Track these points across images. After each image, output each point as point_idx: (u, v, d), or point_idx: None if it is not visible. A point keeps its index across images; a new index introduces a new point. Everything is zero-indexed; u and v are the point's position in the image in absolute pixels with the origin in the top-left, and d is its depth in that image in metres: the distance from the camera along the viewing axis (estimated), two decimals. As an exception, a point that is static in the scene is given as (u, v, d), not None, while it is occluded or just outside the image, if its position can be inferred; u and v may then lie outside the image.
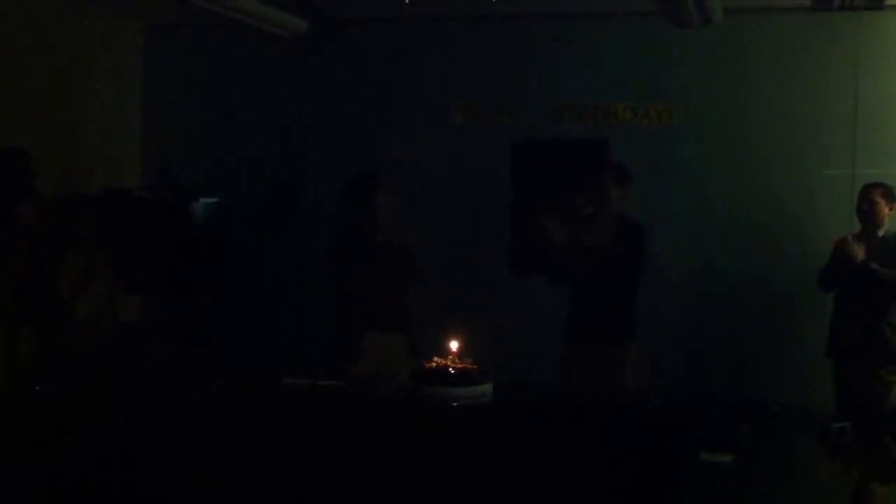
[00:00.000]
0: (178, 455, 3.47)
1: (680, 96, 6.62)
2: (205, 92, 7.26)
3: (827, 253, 5.53)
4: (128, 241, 5.91)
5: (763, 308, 6.42)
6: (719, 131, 6.56)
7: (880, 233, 5.42)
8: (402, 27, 6.88)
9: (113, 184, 6.76)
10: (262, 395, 4.41)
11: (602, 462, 3.39)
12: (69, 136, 6.69)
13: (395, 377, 4.69)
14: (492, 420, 4.06)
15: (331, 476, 3.29)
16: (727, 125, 6.54)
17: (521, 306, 6.43)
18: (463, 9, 6.57)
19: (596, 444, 3.59)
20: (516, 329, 6.24)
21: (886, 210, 5.42)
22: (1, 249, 5.23)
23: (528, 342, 6.06)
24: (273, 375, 4.60)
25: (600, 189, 5.34)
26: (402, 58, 6.97)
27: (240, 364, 5.72)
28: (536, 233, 5.33)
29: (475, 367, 4.23)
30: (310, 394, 4.40)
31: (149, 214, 6.56)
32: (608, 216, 5.33)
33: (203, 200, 6.89)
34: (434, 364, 4.24)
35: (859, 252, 5.32)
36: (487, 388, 4.20)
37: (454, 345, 4.29)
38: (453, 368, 4.19)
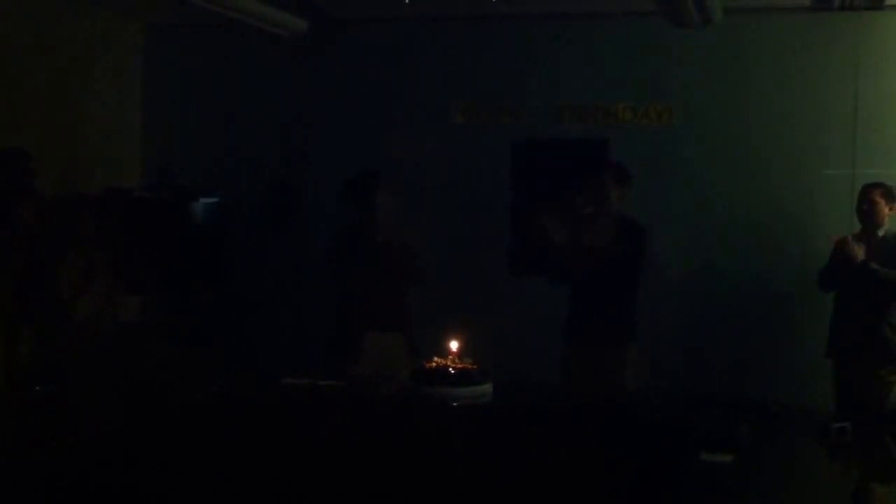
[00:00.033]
0: (178, 455, 3.47)
1: (680, 96, 6.62)
2: (205, 92, 7.26)
3: (827, 253, 5.53)
4: (128, 241, 5.91)
5: (763, 308, 6.42)
6: (719, 131, 6.56)
7: (880, 233, 5.42)
8: (402, 27, 6.88)
9: (113, 184, 6.76)
10: (262, 395, 4.41)
11: (602, 462, 3.39)
12: (69, 136, 6.69)
13: (395, 377, 4.69)
14: (492, 420, 4.06)
15: (331, 476, 3.29)
16: (727, 125, 6.54)
17: (521, 306, 6.43)
18: (463, 9, 6.57)
19: (596, 444, 3.59)
20: (516, 329, 6.24)
21: (886, 210, 5.42)
22: (1, 249, 5.23)
23: (528, 342, 6.06)
24: (273, 375, 4.60)
25: (600, 189, 5.34)
26: (402, 58, 6.97)
27: (240, 364, 5.71)
28: (536, 233, 5.33)
29: (475, 367, 4.23)
30: (310, 394, 4.40)
31: (149, 214, 6.56)
32: (608, 216, 5.33)
33: (203, 200, 6.89)
34: (434, 364, 4.24)
35: (859, 252, 5.32)
36: (487, 388, 4.20)
37: (454, 345, 4.28)
38: (453, 368, 4.19)
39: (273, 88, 7.16)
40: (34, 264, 5.32)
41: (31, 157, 5.53)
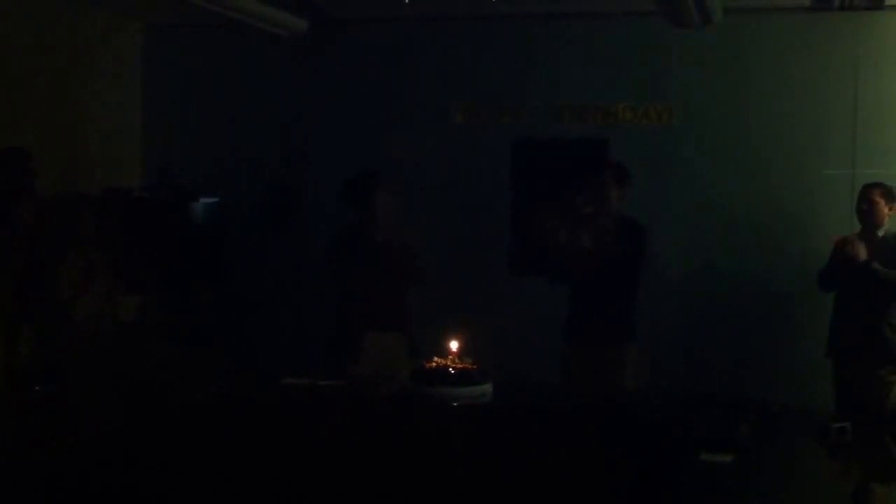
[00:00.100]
0: (178, 455, 3.47)
1: (680, 96, 6.62)
2: (205, 92, 7.26)
3: (827, 253, 5.53)
4: (128, 241, 5.91)
5: (763, 308, 6.42)
6: (719, 131, 6.56)
7: (880, 233, 5.42)
8: (402, 27, 6.88)
9: (113, 184, 6.76)
10: (262, 395, 4.41)
11: (602, 462, 3.39)
12: (69, 136, 6.69)
13: (395, 377, 4.69)
14: (492, 420, 4.06)
15: (331, 476, 3.29)
16: (727, 125, 6.54)
17: (521, 306, 6.43)
18: (463, 9, 6.57)
19: (596, 444, 3.59)
20: (516, 329, 6.24)
21: (886, 210, 5.42)
22: (1, 249, 5.23)
23: (528, 342, 6.06)
24: (273, 375, 4.60)
25: (600, 189, 5.35)
26: (402, 58, 6.97)
27: (240, 364, 5.71)
28: (536, 233, 5.33)
29: (475, 367, 4.23)
30: (310, 394, 4.40)
31: (149, 214, 6.56)
32: (608, 216, 5.33)
33: (203, 200, 6.89)
34: (434, 364, 4.24)
35: (862, 251, 5.31)
36: (487, 388, 4.20)
37: (454, 345, 4.29)
38: (453, 368, 4.19)
39: (273, 88, 7.16)
40: (34, 264, 5.32)
41: (31, 157, 5.53)
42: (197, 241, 6.81)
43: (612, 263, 5.21)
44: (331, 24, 6.98)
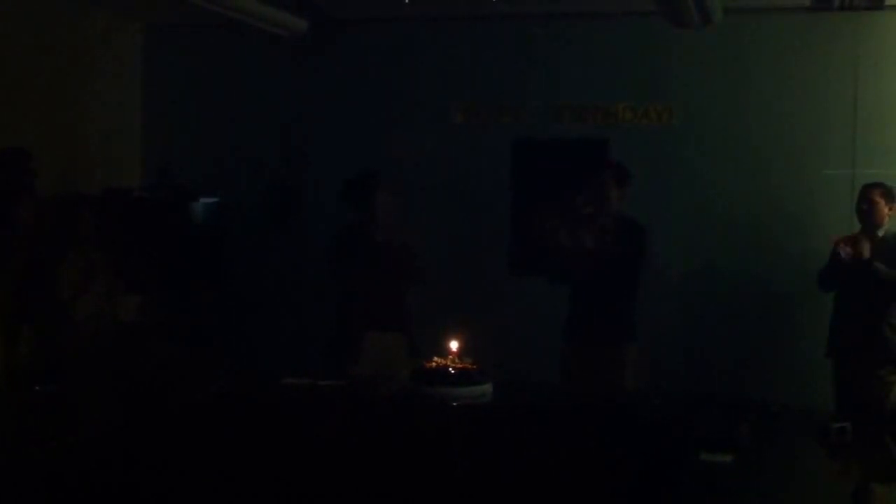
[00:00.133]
0: (178, 455, 3.47)
1: (680, 96, 6.62)
2: (205, 92, 7.26)
3: (827, 253, 5.53)
4: (128, 241, 5.91)
5: (763, 308, 6.42)
6: (719, 131, 6.56)
7: (880, 233, 5.42)
8: (402, 27, 6.88)
9: (113, 184, 6.76)
10: (262, 395, 4.40)
11: (602, 462, 3.39)
12: (69, 136, 6.70)
13: (395, 377, 4.69)
14: (492, 420, 4.06)
15: (331, 476, 3.29)
16: (727, 125, 6.54)
17: (521, 306, 6.43)
18: (463, 9, 6.57)
19: (596, 444, 3.59)
20: (516, 329, 6.24)
21: (886, 210, 5.42)
22: (1, 249, 5.23)
23: (528, 342, 6.06)
24: (273, 375, 4.60)
25: (600, 189, 5.35)
26: (402, 58, 6.97)
27: (240, 364, 5.71)
28: (536, 233, 5.33)
29: (475, 367, 4.23)
30: (310, 394, 4.40)
31: (149, 214, 6.56)
32: (608, 216, 5.33)
33: (203, 200, 6.89)
34: (434, 364, 4.24)
35: (867, 250, 5.29)
36: (487, 388, 4.20)
37: (454, 345, 4.29)
38: (453, 368, 4.19)
39: (273, 88, 7.16)
40: (34, 264, 5.32)
41: (31, 157, 5.53)
42: (197, 241, 6.81)
43: (612, 263, 5.21)
44: (331, 24, 6.98)
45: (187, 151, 7.16)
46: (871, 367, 5.32)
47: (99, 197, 6.31)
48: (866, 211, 5.45)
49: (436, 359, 4.26)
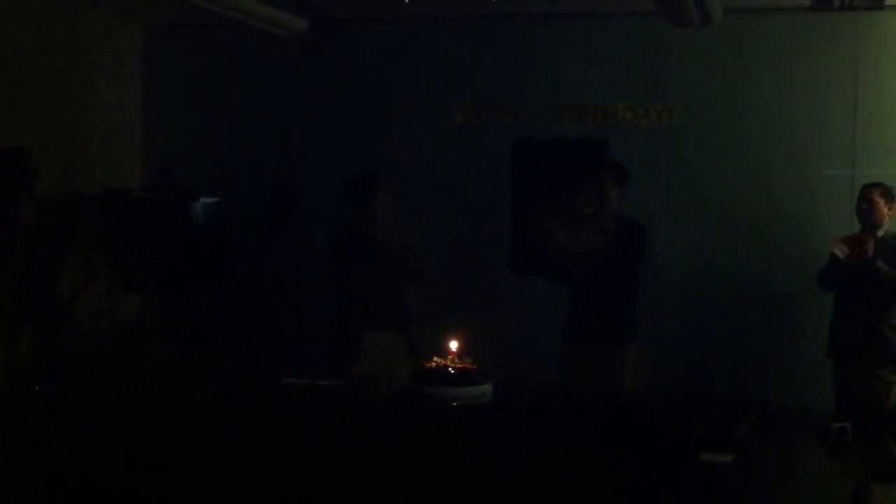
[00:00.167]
0: (178, 455, 3.47)
1: (680, 96, 6.62)
2: (205, 92, 7.26)
3: (827, 253, 5.52)
4: (128, 241, 5.91)
5: (763, 308, 6.42)
6: (719, 131, 6.56)
7: (880, 233, 5.42)
8: (402, 27, 6.88)
9: (113, 184, 6.76)
10: (262, 395, 4.40)
11: (602, 462, 3.39)
12: (69, 136, 6.70)
13: (395, 377, 4.69)
14: (492, 420, 4.06)
15: (331, 476, 3.29)
16: (727, 125, 6.54)
17: (521, 306, 6.43)
18: (463, 9, 6.57)
19: (596, 444, 3.59)
20: (516, 329, 6.24)
21: (886, 210, 5.43)
22: (1, 249, 5.23)
23: (528, 342, 6.06)
24: (273, 375, 4.60)
25: (600, 189, 5.35)
26: (402, 58, 6.97)
27: (240, 364, 5.71)
28: (536, 233, 5.33)
29: (475, 367, 4.23)
30: (310, 394, 4.40)
31: (149, 214, 6.56)
32: (608, 216, 5.33)
33: (203, 200, 6.89)
34: (434, 364, 4.24)
35: (870, 248, 5.28)
36: (487, 388, 4.20)
37: (454, 345, 4.29)
38: (453, 368, 4.19)
39: (273, 88, 7.16)
40: (34, 264, 5.32)
41: (31, 156, 5.53)
42: (197, 241, 6.80)
43: (612, 263, 5.21)
44: (331, 24, 6.98)
45: (187, 151, 7.16)
46: (871, 367, 5.32)
47: (99, 197, 6.31)
48: (866, 211, 5.45)
49: (436, 359, 4.26)
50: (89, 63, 6.93)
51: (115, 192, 6.61)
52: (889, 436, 3.92)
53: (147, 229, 6.28)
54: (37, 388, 4.51)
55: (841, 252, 5.28)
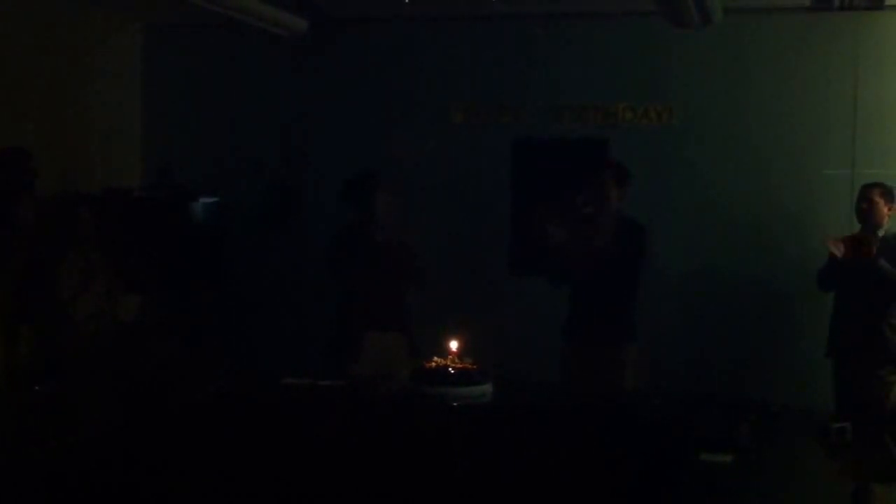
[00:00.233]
0: (178, 455, 3.47)
1: (680, 96, 6.62)
2: (205, 92, 7.26)
3: (826, 253, 5.52)
4: (128, 241, 5.91)
5: (763, 308, 6.42)
6: (719, 131, 6.55)
7: (880, 233, 5.42)
8: (402, 27, 6.88)
9: (113, 184, 6.76)
10: (262, 395, 4.41)
11: (602, 462, 3.39)
12: (69, 136, 6.69)
13: (395, 377, 4.69)
14: (492, 420, 4.06)
15: (331, 476, 3.29)
16: (727, 125, 6.54)
17: (521, 306, 6.43)
18: (463, 9, 6.57)
19: (596, 444, 3.59)
20: (516, 329, 6.24)
21: (885, 210, 5.43)
22: (1, 249, 5.23)
23: (528, 342, 6.06)
24: (273, 375, 4.60)
25: (600, 189, 5.35)
26: (402, 58, 6.97)
27: (240, 364, 5.71)
28: (536, 233, 5.33)
29: (475, 367, 4.23)
30: (310, 394, 4.40)
31: (149, 214, 6.56)
32: (608, 216, 5.33)
33: (203, 200, 6.89)
34: (434, 364, 4.24)
35: (873, 248, 5.28)
36: (487, 388, 4.20)
37: (454, 345, 4.29)
38: (453, 368, 4.20)
39: (273, 88, 7.16)
40: (34, 264, 5.32)
41: (31, 157, 5.53)
42: (197, 241, 6.80)
43: (612, 263, 5.21)
44: (331, 24, 6.97)
45: (187, 151, 7.15)
46: (871, 367, 5.32)
47: (99, 197, 6.31)
48: (866, 210, 5.45)
49: (436, 359, 4.26)
50: (89, 63, 6.93)
51: (115, 192, 6.61)
52: (889, 436, 3.93)
53: (147, 229, 6.28)
54: (37, 388, 4.52)
55: (837, 250, 5.28)
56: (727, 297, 6.42)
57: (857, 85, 6.35)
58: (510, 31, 6.79)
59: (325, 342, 5.46)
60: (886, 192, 5.44)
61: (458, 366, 4.21)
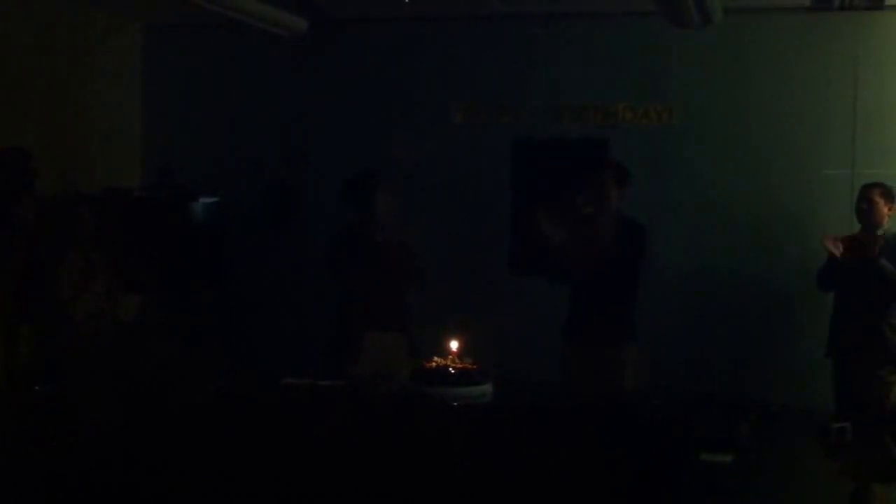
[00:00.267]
0: (178, 455, 3.47)
1: (680, 96, 6.62)
2: (205, 92, 7.26)
3: (826, 253, 5.52)
4: (128, 241, 5.91)
5: (763, 308, 6.42)
6: (719, 131, 6.56)
7: (880, 233, 5.42)
8: (402, 27, 6.88)
9: (113, 184, 6.76)
10: (262, 395, 4.41)
11: (602, 462, 3.39)
12: (69, 136, 6.70)
13: (395, 377, 4.69)
14: (492, 420, 4.06)
15: (331, 476, 3.29)
16: (727, 125, 6.54)
17: (521, 306, 6.43)
18: (463, 9, 6.58)
19: (596, 444, 3.59)
20: (516, 329, 6.24)
21: (885, 210, 5.43)
22: (1, 249, 5.23)
23: (528, 342, 6.06)
24: (273, 375, 4.60)
25: (600, 189, 5.34)
26: (402, 58, 6.97)
27: (240, 364, 5.71)
28: (536, 233, 5.33)
29: (475, 367, 4.23)
30: (310, 394, 4.40)
31: (149, 214, 6.56)
32: (608, 216, 5.33)
33: (203, 200, 6.89)
34: (434, 364, 4.24)
35: (874, 247, 5.28)
36: (487, 388, 4.20)
37: (454, 345, 4.29)
38: (453, 368, 4.20)
39: (273, 88, 7.16)
40: (34, 264, 5.32)
41: (31, 157, 5.53)
42: (197, 241, 6.81)
43: (612, 263, 5.21)
44: (331, 24, 6.98)
45: (187, 151, 7.16)
46: (871, 367, 5.32)
47: (99, 197, 6.32)
48: (866, 210, 5.45)
49: (436, 359, 4.26)
50: (89, 63, 6.93)
51: (115, 192, 6.61)
52: (889, 436, 3.93)
53: (147, 229, 6.28)
54: (37, 388, 4.51)
55: (836, 249, 5.28)
56: (727, 297, 6.43)
57: (857, 85, 6.35)
58: (510, 31, 6.79)
59: (325, 342, 5.46)
60: (886, 192, 5.44)
61: (458, 366, 4.21)
